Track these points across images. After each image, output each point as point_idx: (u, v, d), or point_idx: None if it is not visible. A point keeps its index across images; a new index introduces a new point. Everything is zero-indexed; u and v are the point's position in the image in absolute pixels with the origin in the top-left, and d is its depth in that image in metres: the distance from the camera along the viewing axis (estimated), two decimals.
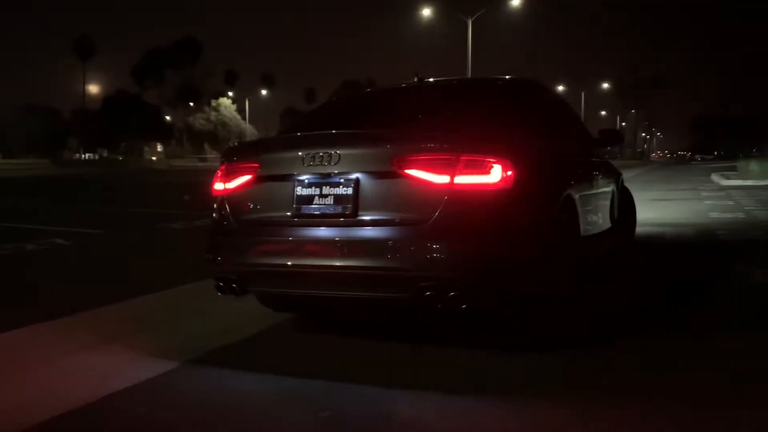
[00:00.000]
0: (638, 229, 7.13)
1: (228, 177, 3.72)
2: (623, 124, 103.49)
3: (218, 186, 3.77)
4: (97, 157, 73.65)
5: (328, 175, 3.38)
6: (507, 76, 4.75)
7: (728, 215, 10.39)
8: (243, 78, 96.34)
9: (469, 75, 33.77)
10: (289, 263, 3.43)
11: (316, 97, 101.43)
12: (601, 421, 2.54)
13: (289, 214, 3.47)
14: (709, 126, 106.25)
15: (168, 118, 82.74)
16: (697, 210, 11.47)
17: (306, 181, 3.44)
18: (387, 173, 3.27)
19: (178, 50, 79.08)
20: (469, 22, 33.59)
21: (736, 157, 31.47)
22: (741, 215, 10.43)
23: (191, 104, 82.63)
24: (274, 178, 3.58)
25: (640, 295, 4.89)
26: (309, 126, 4.34)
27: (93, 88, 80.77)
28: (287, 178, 3.50)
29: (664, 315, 4.23)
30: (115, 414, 2.76)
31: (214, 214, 3.81)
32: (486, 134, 3.46)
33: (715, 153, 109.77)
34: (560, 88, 70.49)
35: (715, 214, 10.56)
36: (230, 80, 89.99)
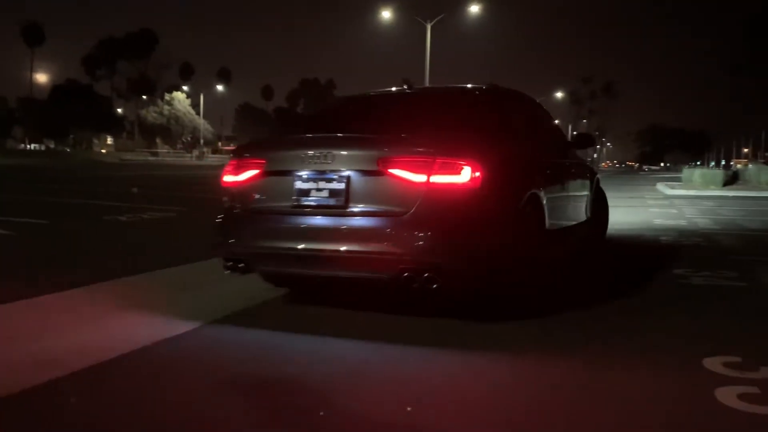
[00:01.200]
0: None
1: (237, 171, 4.21)
2: (574, 133, 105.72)
3: (228, 178, 4.26)
4: (43, 148, 71.24)
5: (324, 172, 3.89)
6: (484, 86, 5.09)
7: (671, 222, 10.77)
8: (199, 72, 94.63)
9: (427, 78, 34.06)
10: (289, 247, 3.94)
11: (273, 94, 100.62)
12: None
13: (290, 204, 3.99)
14: (657, 138, 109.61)
15: (120, 110, 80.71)
16: (643, 217, 11.83)
17: (305, 176, 3.95)
18: (373, 171, 3.79)
19: (133, 41, 77.34)
20: (428, 27, 33.83)
21: (681, 168, 32.56)
22: (683, 222, 10.82)
23: (144, 97, 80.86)
24: (277, 173, 4.09)
25: (590, 291, 5.04)
26: (309, 127, 4.99)
27: (41, 77, 78.28)
28: (289, 173, 4.01)
29: (612, 304, 4.41)
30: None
31: (224, 203, 4.32)
32: (459, 140, 3.97)
33: (662, 164, 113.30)
34: None
35: (659, 221, 10.92)
36: (185, 74, 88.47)
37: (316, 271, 4.07)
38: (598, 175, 7.30)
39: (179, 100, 77.20)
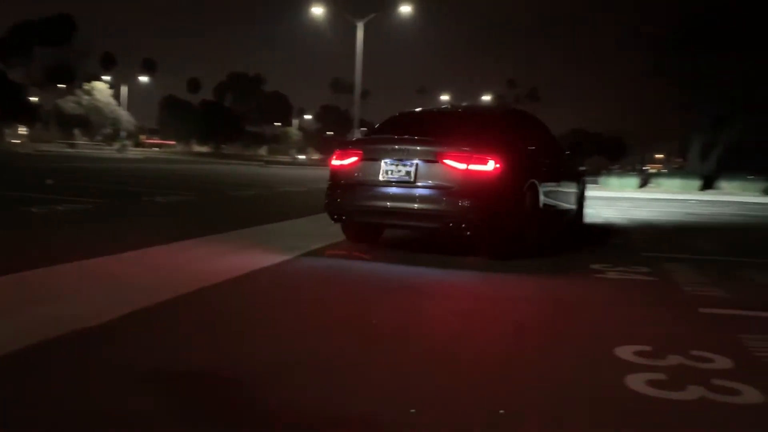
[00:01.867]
0: None
1: (341, 158, 6.49)
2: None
3: (336, 162, 6.53)
4: None
5: (401, 160, 6.08)
6: (506, 106, 7.12)
7: (587, 221, 11.18)
8: (122, 63, 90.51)
9: (358, 76, 34.09)
10: (377, 205, 6.19)
11: (200, 87, 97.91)
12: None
13: (378, 179, 6.18)
14: (576, 142, 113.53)
15: (35, 99, 76.57)
16: None
17: (388, 162, 6.14)
18: (433, 161, 5.98)
19: (49, 27, 73.53)
20: (359, 26, 33.76)
21: (599, 172, 33.84)
22: (599, 221, 11.29)
23: (62, 86, 77.01)
24: (370, 159, 6.29)
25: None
26: (389, 130, 7.05)
27: None
28: (377, 160, 6.21)
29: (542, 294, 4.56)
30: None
31: (332, 178, 6.57)
32: (487, 143, 6.07)
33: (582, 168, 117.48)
34: (445, 98, 72.47)
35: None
36: (107, 64, 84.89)
37: (393, 222, 6.46)
38: (585, 178, 9.62)
39: (99, 90, 73.88)
